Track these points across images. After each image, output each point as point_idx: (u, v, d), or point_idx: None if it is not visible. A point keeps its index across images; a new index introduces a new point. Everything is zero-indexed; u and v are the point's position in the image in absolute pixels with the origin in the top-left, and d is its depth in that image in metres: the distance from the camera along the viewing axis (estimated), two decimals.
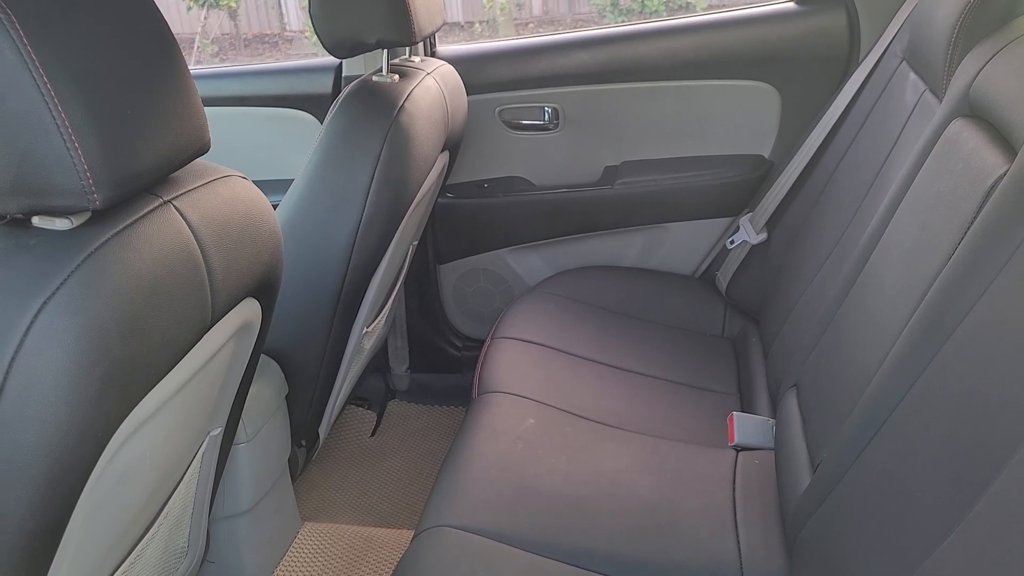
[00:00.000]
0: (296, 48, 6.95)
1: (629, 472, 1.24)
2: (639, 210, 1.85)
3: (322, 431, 1.51)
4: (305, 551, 1.44)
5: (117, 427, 0.71)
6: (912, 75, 1.34)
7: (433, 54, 1.84)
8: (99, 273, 0.67)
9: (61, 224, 0.68)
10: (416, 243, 1.72)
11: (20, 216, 0.68)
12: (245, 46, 6.17)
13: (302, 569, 1.41)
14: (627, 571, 1.08)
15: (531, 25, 6.04)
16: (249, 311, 0.95)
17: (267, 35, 7.81)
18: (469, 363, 2.04)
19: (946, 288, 0.86)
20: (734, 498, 1.21)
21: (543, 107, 1.82)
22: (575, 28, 2.59)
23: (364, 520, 1.63)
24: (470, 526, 1.11)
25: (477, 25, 6.69)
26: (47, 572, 0.71)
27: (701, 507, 1.19)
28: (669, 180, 1.82)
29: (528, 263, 1.96)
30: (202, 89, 1.67)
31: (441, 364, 2.07)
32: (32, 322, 0.62)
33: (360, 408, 2.00)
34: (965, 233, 0.90)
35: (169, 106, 0.74)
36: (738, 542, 1.12)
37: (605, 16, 6.74)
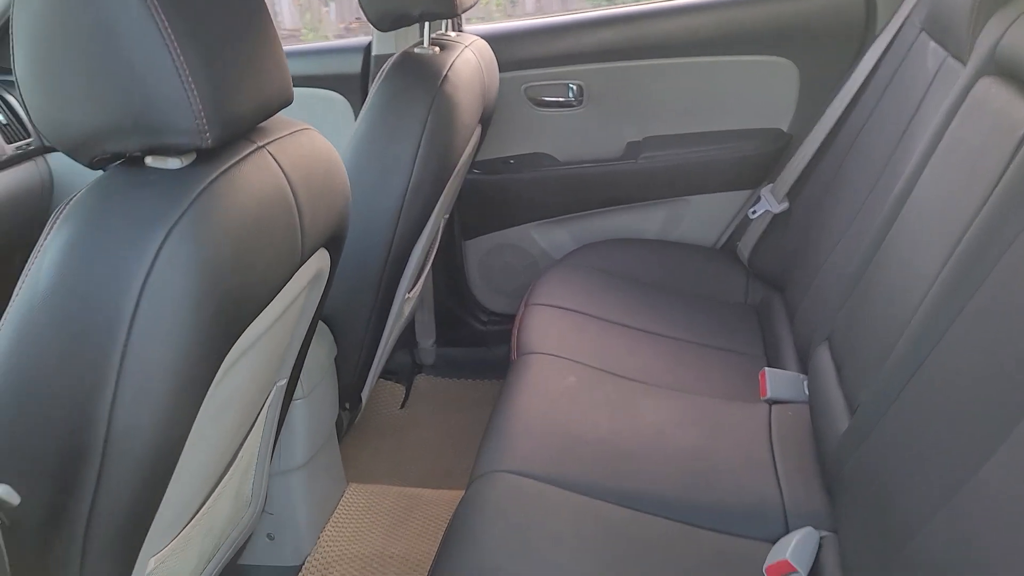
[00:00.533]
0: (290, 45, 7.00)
1: (669, 424, 1.30)
2: (661, 183, 1.91)
3: (364, 395, 1.56)
4: (353, 509, 1.50)
5: (226, 353, 0.76)
6: (932, 44, 1.40)
7: (460, 32, 1.89)
8: (211, 209, 0.72)
9: (172, 164, 0.73)
10: (446, 218, 1.78)
11: (137, 154, 0.73)
12: None
13: (352, 525, 1.46)
14: (675, 512, 1.14)
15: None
16: (322, 260, 1.00)
17: None
18: (495, 337, 2.10)
19: (979, 236, 0.92)
20: (771, 446, 1.26)
21: (568, 84, 1.88)
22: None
23: (403, 484, 1.68)
24: (524, 471, 1.17)
25: (473, 20, 6.76)
26: (163, 493, 0.76)
27: (741, 454, 1.24)
28: (690, 154, 1.88)
29: (553, 237, 2.01)
30: None
31: (467, 338, 2.12)
32: (159, 251, 0.68)
33: (389, 382, 2.05)
34: (997, 183, 0.95)
35: (263, 60, 0.79)
36: (779, 484, 1.18)
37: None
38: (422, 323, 2.09)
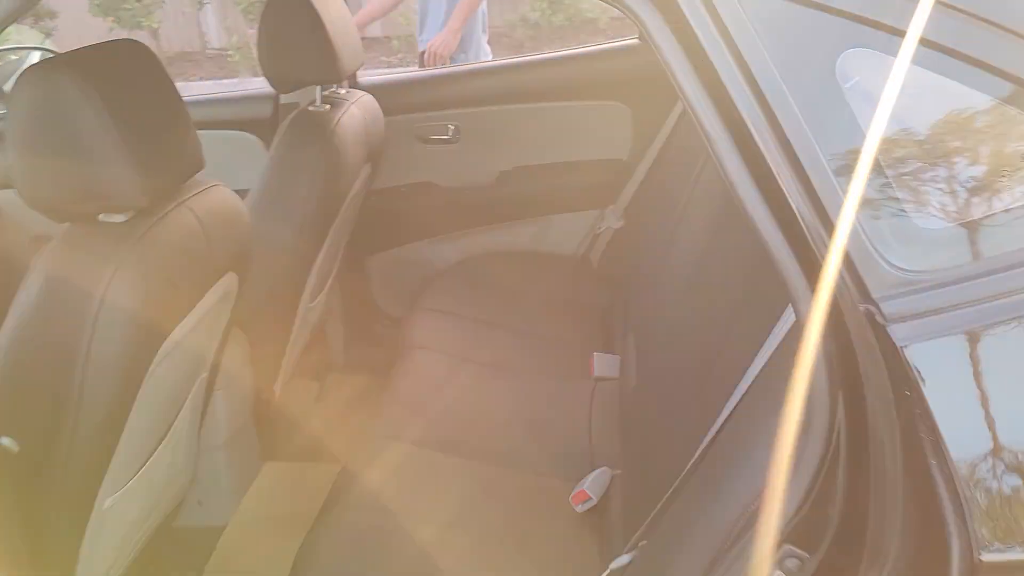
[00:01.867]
0: (217, 64, 7.23)
1: (512, 397, 1.68)
2: (528, 205, 2.29)
3: (277, 388, 1.89)
4: (268, 480, 1.83)
5: (157, 350, 1.10)
6: None
7: (355, 84, 2.25)
8: (146, 250, 1.06)
9: (118, 218, 1.07)
10: (346, 240, 2.12)
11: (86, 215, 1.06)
12: (169, 64, 6.45)
13: (267, 493, 1.80)
14: (505, 460, 1.51)
15: None
16: (231, 282, 1.34)
17: (190, 53, 8.06)
18: (395, 339, 2.45)
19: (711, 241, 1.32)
20: (590, 411, 1.65)
21: (447, 124, 2.24)
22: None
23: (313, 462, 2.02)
24: (395, 436, 1.53)
25: (395, 41, 7.09)
26: (116, 447, 1.10)
27: (565, 417, 1.63)
28: (550, 180, 2.26)
29: (441, 251, 2.38)
30: None
31: (373, 340, 2.47)
32: (111, 279, 1.02)
33: (305, 380, 2.38)
34: None
35: (181, 141, 1.14)
36: (590, 437, 1.57)
37: (516, 29, 7.21)
38: (333, 329, 2.43)
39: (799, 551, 0.82)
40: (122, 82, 1.05)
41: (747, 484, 0.87)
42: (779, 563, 0.83)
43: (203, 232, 1.18)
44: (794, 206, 0.73)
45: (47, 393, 1.00)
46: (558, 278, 2.20)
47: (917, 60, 0.71)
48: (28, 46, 2.50)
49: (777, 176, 0.73)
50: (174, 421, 1.37)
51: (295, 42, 1.66)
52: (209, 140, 2.11)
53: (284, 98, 2.20)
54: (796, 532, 0.82)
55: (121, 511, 1.24)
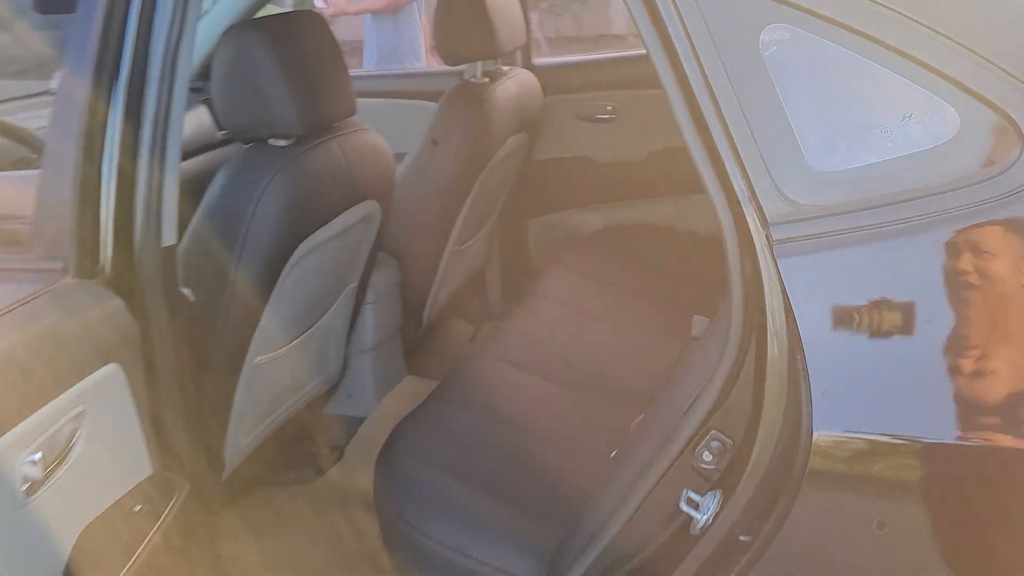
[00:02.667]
0: None
1: (612, 341, 1.90)
2: (672, 184, 2.47)
3: (425, 315, 2.25)
4: (407, 387, 2.18)
5: (297, 247, 1.46)
6: None
7: (529, 64, 2.55)
8: (296, 166, 1.42)
9: (280, 143, 1.44)
10: (502, 200, 2.43)
11: (264, 137, 1.44)
12: None
13: (405, 396, 2.15)
14: (584, 389, 1.74)
15: None
16: (372, 207, 1.69)
17: None
18: None
19: None
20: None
21: (606, 105, 2.49)
22: None
23: None
24: (502, 358, 1.81)
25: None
26: (263, 311, 1.47)
27: (652, 363, 1.82)
28: (688, 162, 2.43)
29: (589, 219, 2.62)
30: (382, 85, 2.51)
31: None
32: (267, 184, 1.38)
33: (463, 321, 2.73)
34: None
35: (336, 89, 1.49)
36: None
37: None
38: (492, 281, 2.76)
39: (723, 436, 1.00)
40: (293, 42, 1.42)
41: (689, 388, 1.06)
42: (706, 444, 1.02)
43: (345, 162, 1.53)
44: (718, 147, 0.92)
45: (216, 260, 1.39)
46: (686, 253, 2.37)
47: (824, 35, 0.87)
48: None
49: (708, 123, 0.93)
50: (322, 316, 1.75)
51: (460, 22, 1.98)
52: (404, 108, 2.51)
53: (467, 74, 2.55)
54: (720, 419, 1.00)
55: (271, 373, 1.63)
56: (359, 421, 2.09)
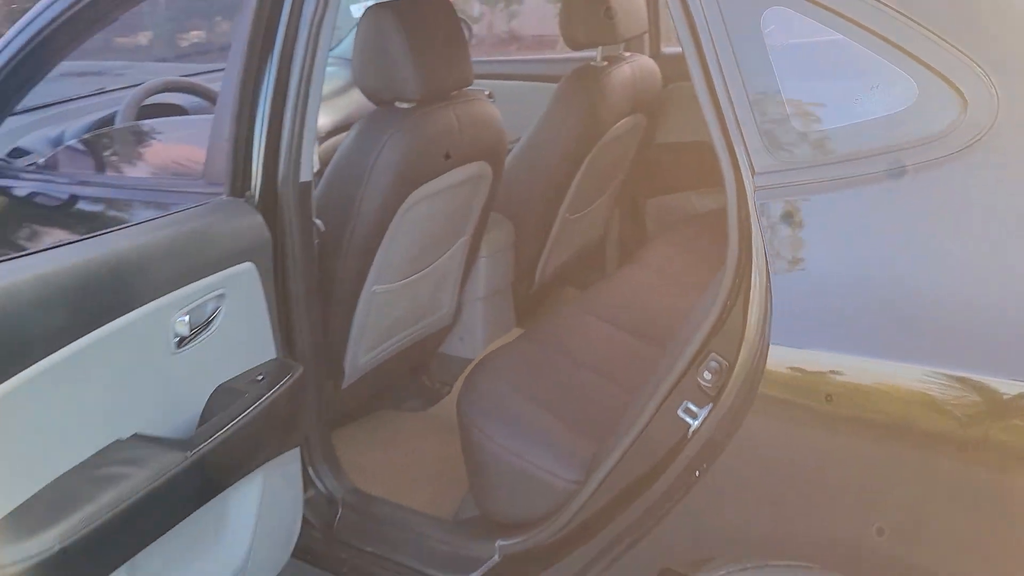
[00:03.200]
0: None
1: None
2: None
3: (537, 276, 2.49)
4: (511, 339, 2.44)
5: (409, 194, 1.74)
6: None
7: (657, 53, 2.72)
8: (412, 125, 1.70)
9: (403, 106, 1.73)
10: (619, 177, 2.63)
11: (390, 100, 1.73)
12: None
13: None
14: (658, 343, 1.92)
15: None
16: (483, 168, 1.95)
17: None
18: None
19: None
20: None
21: None
22: None
23: None
24: (590, 312, 2.03)
25: None
26: (378, 246, 1.77)
27: None
28: None
29: (703, 201, 2.77)
30: (519, 69, 2.78)
31: None
32: (387, 140, 1.67)
33: (574, 289, 2.95)
34: None
35: (455, 62, 1.76)
36: None
37: None
38: (609, 255, 2.96)
39: (720, 357, 1.18)
40: (421, 20, 1.70)
41: (696, 319, 1.24)
42: (706, 364, 1.20)
43: (457, 125, 1.80)
44: (723, 110, 1.11)
45: (344, 199, 1.70)
46: None
47: (813, 17, 1.04)
48: None
49: (717, 86, 1.11)
50: (435, 262, 2.03)
51: (582, 10, 2.20)
52: (541, 89, 2.76)
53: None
54: (719, 342, 1.18)
55: (387, 303, 1.93)
56: (468, 362, 2.37)
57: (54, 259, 1.07)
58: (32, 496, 1.03)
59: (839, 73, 1.06)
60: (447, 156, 1.80)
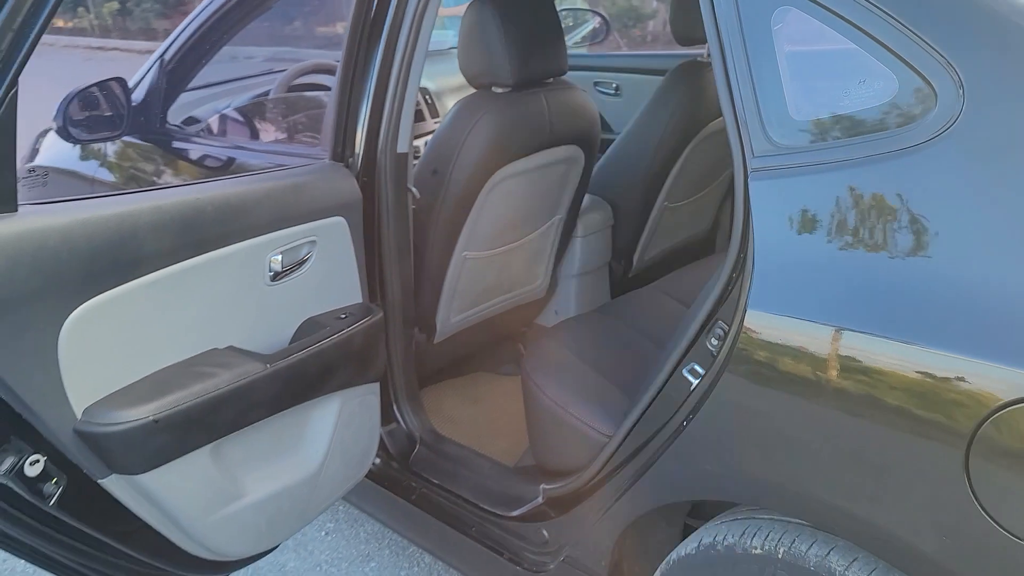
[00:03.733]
0: None
1: None
2: None
3: (636, 259, 2.62)
4: None
5: (496, 171, 1.93)
6: None
7: None
8: (505, 109, 1.89)
9: (499, 91, 1.92)
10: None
11: (487, 86, 1.93)
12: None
13: None
14: None
15: None
16: (574, 151, 2.11)
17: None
18: None
19: None
20: None
21: None
22: None
23: None
24: (668, 291, 2.15)
25: None
26: (468, 214, 1.97)
27: None
28: None
29: None
30: (645, 63, 2.92)
31: None
32: (480, 118, 1.87)
33: None
34: None
35: (549, 53, 1.93)
36: None
37: None
38: (720, 241, 3.02)
39: (724, 324, 1.29)
40: (520, 14, 1.88)
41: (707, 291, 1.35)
42: (713, 331, 1.31)
43: (547, 111, 1.98)
44: (731, 90, 1.22)
45: (438, 170, 1.92)
46: None
47: (815, 16, 1.13)
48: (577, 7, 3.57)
49: (726, 71, 1.22)
50: (527, 236, 2.21)
51: (690, 7, 2.31)
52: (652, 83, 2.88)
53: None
54: (724, 311, 1.29)
55: (478, 269, 2.13)
56: None
57: (172, 195, 1.35)
58: (140, 379, 1.31)
59: (831, 68, 1.15)
60: (535, 137, 1.98)
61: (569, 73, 3.32)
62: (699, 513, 1.58)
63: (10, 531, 1.25)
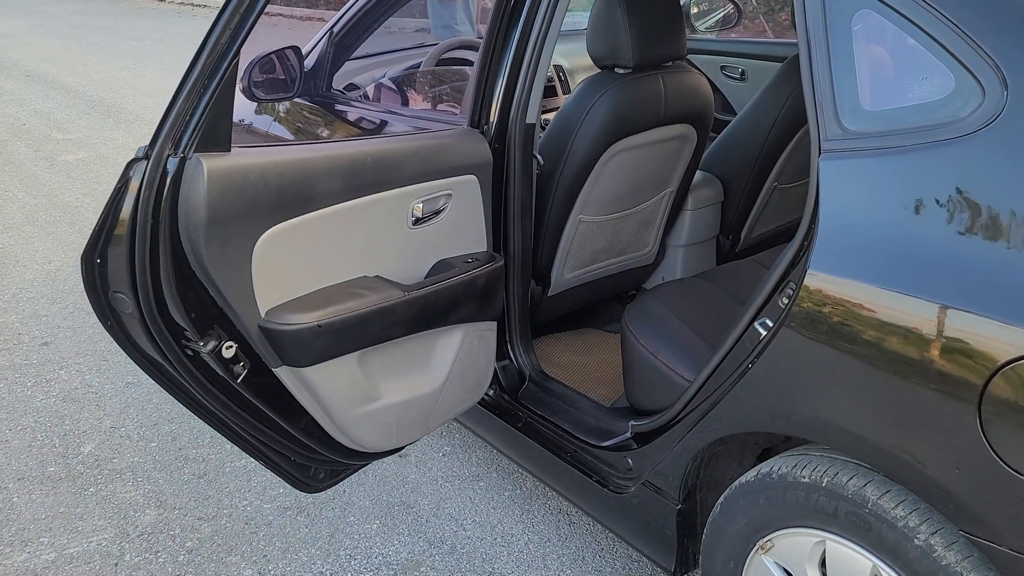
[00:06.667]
0: None
1: None
2: None
3: (743, 235, 2.79)
4: None
5: (614, 142, 2.17)
6: None
7: None
8: (622, 89, 2.12)
9: (621, 72, 2.15)
10: None
11: (611, 66, 2.17)
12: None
13: None
14: None
15: None
16: (687, 129, 2.32)
17: None
18: None
19: None
20: None
21: None
22: None
23: None
24: (763, 262, 2.33)
25: None
26: (579, 192, 2.22)
27: None
28: None
29: None
30: (771, 50, 3.07)
31: None
32: (600, 96, 2.11)
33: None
34: None
35: (669, 39, 2.15)
36: None
37: None
38: None
39: (795, 284, 1.49)
40: (644, 3, 2.10)
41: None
42: (784, 291, 1.51)
43: (664, 91, 2.19)
44: (813, 80, 1.40)
45: (560, 140, 2.17)
46: None
47: (889, 19, 1.31)
48: None
49: (810, 63, 1.41)
50: (639, 205, 2.44)
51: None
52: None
53: None
54: (795, 273, 1.49)
55: (592, 231, 2.38)
56: None
57: (340, 147, 1.67)
58: (309, 292, 1.65)
59: (899, 66, 1.33)
60: (651, 115, 2.20)
61: (698, 57, 3.51)
62: (767, 459, 1.78)
63: (205, 399, 1.62)
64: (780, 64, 3.03)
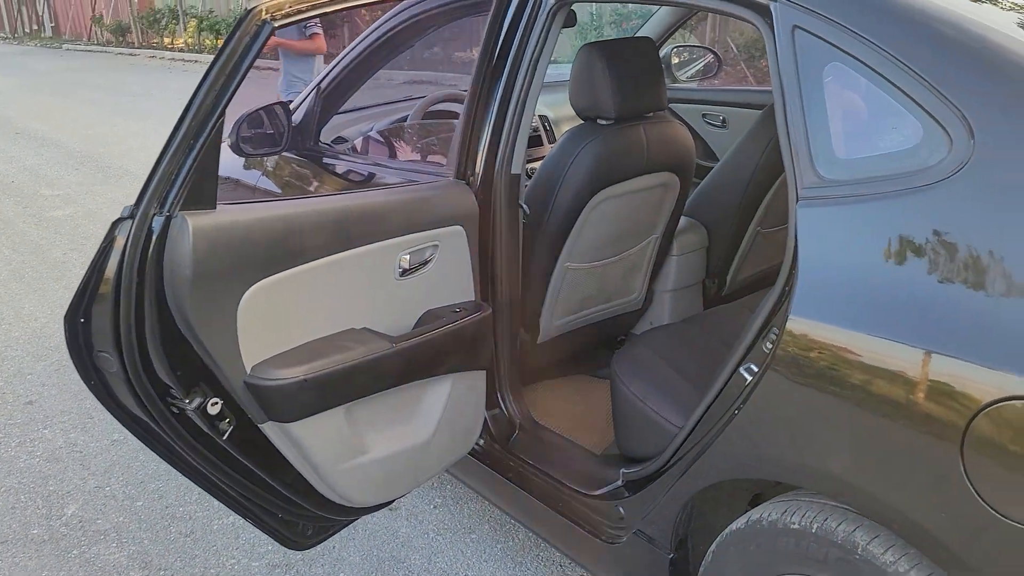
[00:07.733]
0: None
1: None
2: None
3: (728, 279, 2.81)
4: None
5: (598, 191, 2.19)
6: None
7: None
8: (606, 139, 2.15)
9: (604, 123, 2.19)
10: None
11: (592, 118, 2.20)
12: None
13: None
14: None
15: None
16: (669, 177, 2.35)
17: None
18: None
19: None
20: None
21: None
22: None
23: None
24: (751, 307, 2.34)
25: None
26: (571, 230, 2.24)
27: None
28: None
29: None
30: (752, 98, 3.12)
31: None
32: (585, 146, 2.14)
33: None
34: None
35: (648, 92, 2.19)
36: None
37: None
38: None
39: (776, 329, 1.50)
40: (623, 57, 2.14)
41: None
42: (767, 336, 1.52)
43: (645, 141, 2.23)
44: (790, 138, 1.44)
45: (546, 189, 2.19)
46: None
47: (857, 71, 1.34)
48: (693, 45, 3.79)
49: (785, 113, 1.44)
50: (625, 252, 2.46)
51: None
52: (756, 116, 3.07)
53: None
54: (778, 319, 1.50)
55: (579, 279, 2.39)
56: None
57: (326, 201, 1.68)
58: (295, 347, 1.65)
59: (868, 115, 1.36)
60: (633, 164, 2.23)
61: (680, 106, 3.56)
62: (758, 503, 1.78)
63: (190, 457, 1.60)
64: (760, 111, 3.09)
